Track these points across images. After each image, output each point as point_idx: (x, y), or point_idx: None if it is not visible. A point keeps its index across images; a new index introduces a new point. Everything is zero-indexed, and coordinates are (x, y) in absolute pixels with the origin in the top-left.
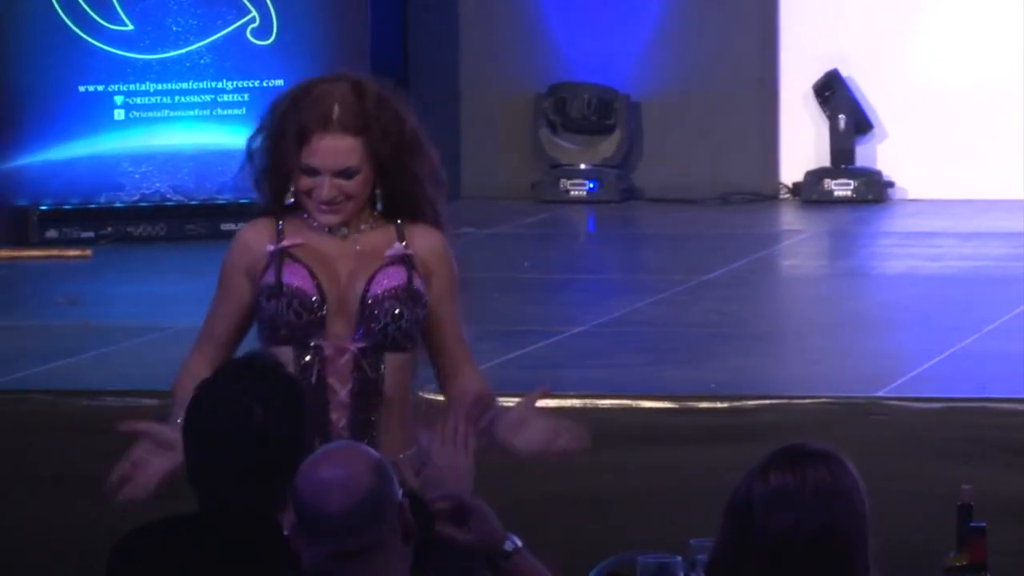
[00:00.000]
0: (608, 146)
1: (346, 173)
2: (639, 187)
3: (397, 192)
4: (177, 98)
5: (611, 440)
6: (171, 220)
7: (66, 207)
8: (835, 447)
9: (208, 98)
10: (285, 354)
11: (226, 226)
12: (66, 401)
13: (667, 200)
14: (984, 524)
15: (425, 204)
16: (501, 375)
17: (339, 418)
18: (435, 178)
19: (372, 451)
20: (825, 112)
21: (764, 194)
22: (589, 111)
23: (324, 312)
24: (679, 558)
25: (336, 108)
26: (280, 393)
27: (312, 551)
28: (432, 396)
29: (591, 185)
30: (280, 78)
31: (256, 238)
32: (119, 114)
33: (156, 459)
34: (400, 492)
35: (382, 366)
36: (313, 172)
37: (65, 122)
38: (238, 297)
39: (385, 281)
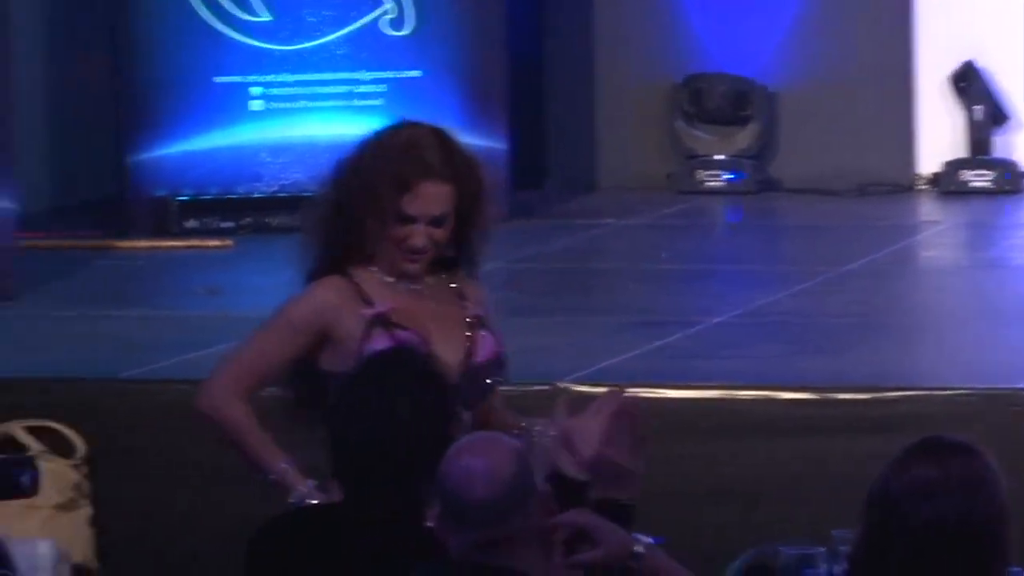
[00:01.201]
0: (744, 137)
1: (438, 221)
2: (775, 178)
3: (461, 241)
4: (314, 89)
5: (750, 431)
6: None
7: (205, 197)
8: (975, 438)
9: (345, 89)
10: None
11: None
12: None
13: (804, 191)
14: None
15: (478, 255)
16: (639, 366)
17: None
18: (490, 230)
19: (514, 440)
20: (961, 103)
21: (901, 185)
22: (725, 102)
23: None
24: (822, 549)
25: (432, 155)
26: (424, 389)
27: (457, 540)
28: (581, 388)
29: (730, 176)
30: (417, 69)
31: (335, 299)
32: (257, 105)
33: None
34: (541, 481)
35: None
36: (409, 220)
37: (203, 113)
38: (296, 352)
39: (483, 351)
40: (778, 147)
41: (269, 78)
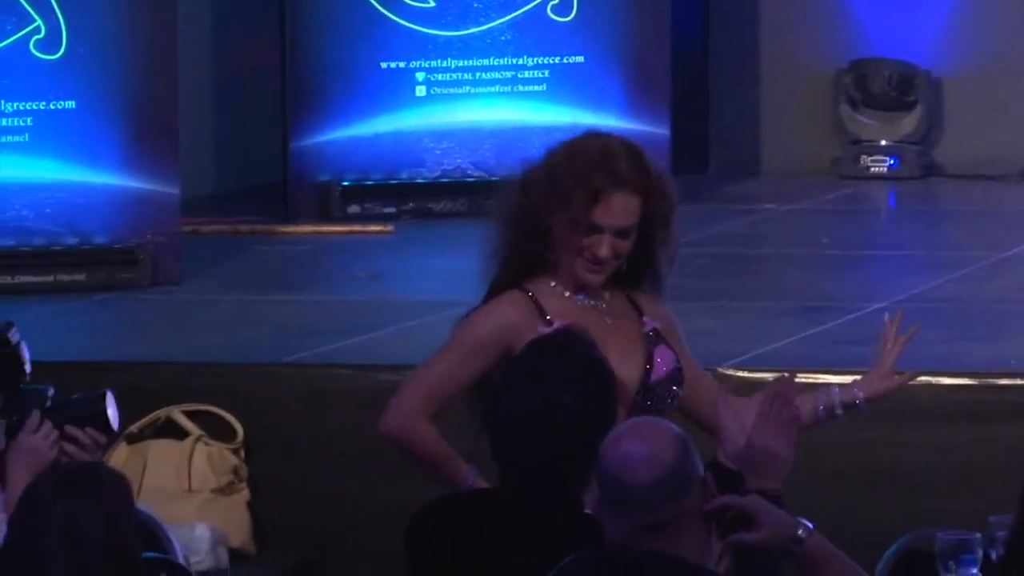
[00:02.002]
0: (909, 122)
1: (624, 233)
2: (940, 163)
3: (642, 257)
4: (478, 74)
5: (911, 417)
6: (472, 196)
7: (368, 183)
8: None
9: (509, 74)
10: None
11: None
12: (367, 375)
13: (968, 176)
14: None
15: (663, 274)
16: (799, 351)
17: None
18: (675, 248)
19: (675, 426)
20: None
21: None
22: (890, 87)
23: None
24: (978, 534)
25: (625, 166)
26: (588, 376)
27: (614, 525)
28: (732, 372)
29: (891, 161)
30: (580, 55)
31: (516, 317)
32: (420, 90)
33: None
34: (702, 467)
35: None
36: (596, 230)
37: (367, 99)
38: (479, 370)
39: (663, 366)
40: (942, 132)
41: (433, 63)
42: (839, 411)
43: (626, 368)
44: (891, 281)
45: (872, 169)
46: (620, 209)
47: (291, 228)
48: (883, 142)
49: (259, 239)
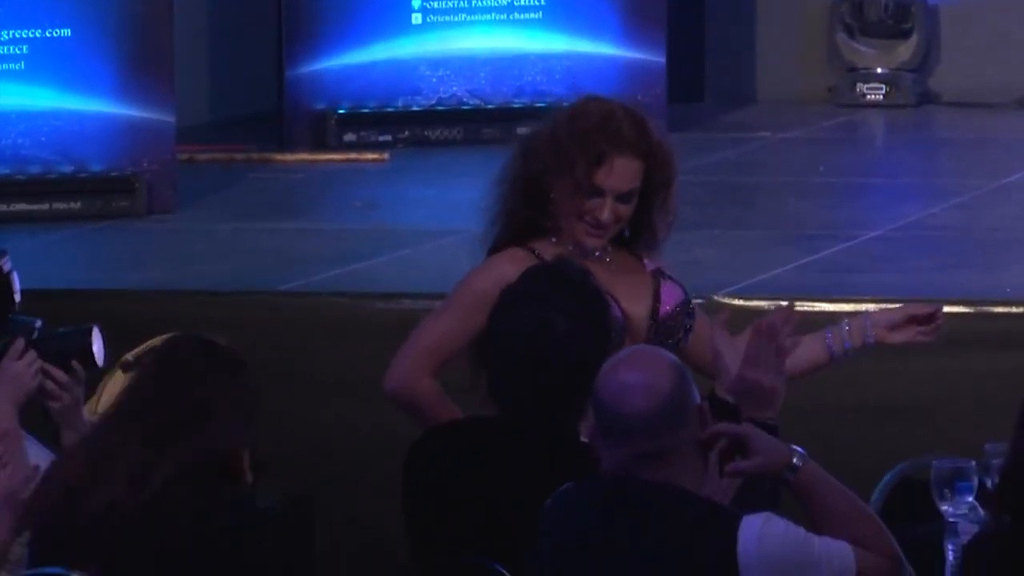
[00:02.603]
0: (905, 50)
1: (626, 196)
2: (935, 91)
3: (643, 221)
4: (474, 2)
5: (905, 345)
6: (467, 124)
7: (364, 111)
8: None
9: (505, 2)
10: None
11: (522, 130)
12: (362, 304)
13: (963, 104)
14: None
15: (661, 240)
16: (795, 279)
17: None
18: (674, 215)
19: (672, 356)
20: None
21: None
22: (886, 15)
23: (625, 335)
24: (973, 462)
25: (628, 129)
26: (584, 305)
27: (611, 454)
28: (727, 300)
29: (887, 89)
30: None
31: (515, 272)
32: (416, 18)
33: None
34: (699, 396)
35: None
36: (598, 194)
37: (363, 26)
38: (480, 326)
39: (671, 299)
40: (938, 60)
41: None
42: (847, 346)
43: (634, 306)
44: (886, 209)
45: (868, 97)
46: (622, 172)
47: (286, 156)
48: (879, 70)
49: (254, 167)
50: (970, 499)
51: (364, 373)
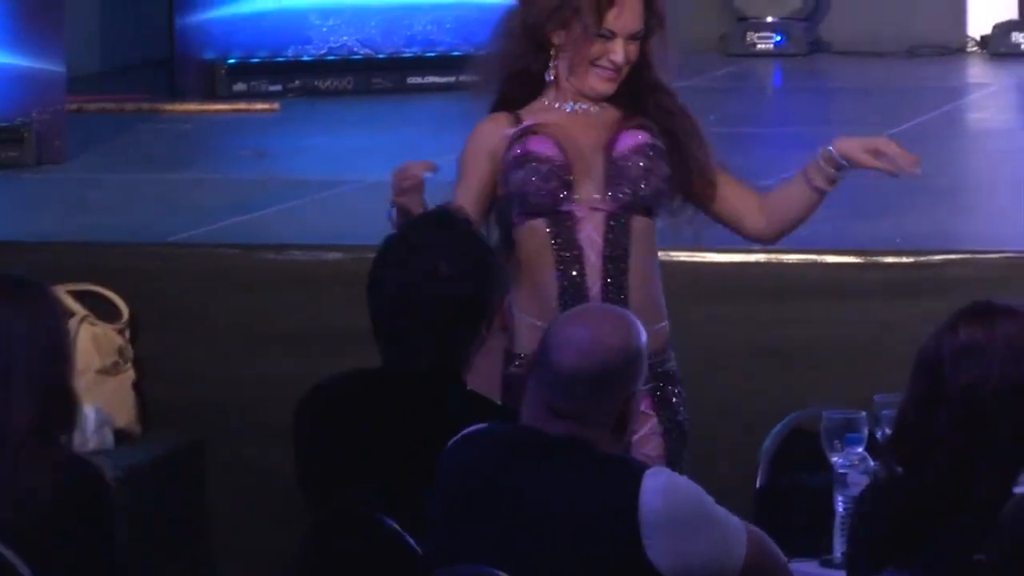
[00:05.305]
0: None
1: (635, 36)
2: (826, 40)
3: (641, 62)
4: None
5: (796, 295)
6: (358, 74)
7: (254, 60)
8: (1022, 302)
9: None
10: (538, 227)
11: (412, 79)
12: (253, 255)
13: (854, 53)
14: None
15: (665, 75)
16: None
17: (592, 283)
18: (675, 59)
19: (636, 336)
20: None
21: (951, 47)
22: None
23: (572, 176)
24: (864, 413)
25: None
26: (467, 251)
27: (532, 401)
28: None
29: (778, 38)
30: None
31: (494, 127)
32: None
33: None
34: (643, 382)
35: (631, 230)
36: (610, 36)
37: None
38: (479, 178)
39: (629, 140)
40: (829, 8)
41: None
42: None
43: (596, 150)
44: (778, 158)
45: (759, 46)
46: (631, 13)
47: (177, 106)
48: (769, 19)
49: (144, 117)
50: (860, 450)
51: (255, 322)
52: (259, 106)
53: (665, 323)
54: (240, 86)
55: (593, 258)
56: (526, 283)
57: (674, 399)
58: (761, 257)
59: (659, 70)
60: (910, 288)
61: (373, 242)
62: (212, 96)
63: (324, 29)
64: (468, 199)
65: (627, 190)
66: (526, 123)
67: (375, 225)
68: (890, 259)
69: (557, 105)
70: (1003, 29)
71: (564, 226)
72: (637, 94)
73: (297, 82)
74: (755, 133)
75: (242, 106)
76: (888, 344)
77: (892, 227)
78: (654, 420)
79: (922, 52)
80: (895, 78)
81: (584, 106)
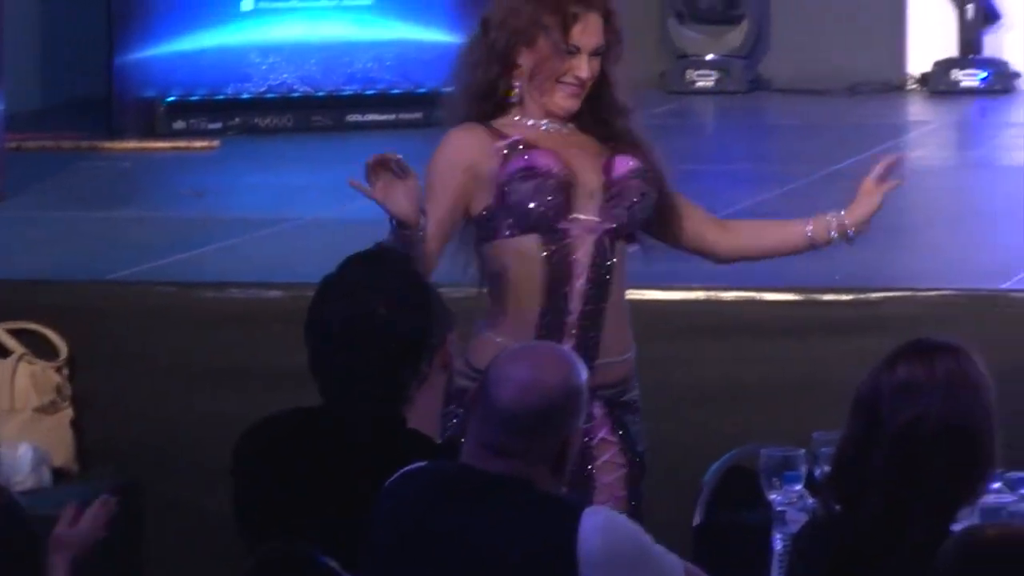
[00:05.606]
0: (735, 36)
1: (597, 52)
2: (766, 78)
3: (601, 80)
4: None
5: (735, 333)
6: (298, 111)
7: (193, 98)
8: (961, 340)
9: None
10: (530, 243)
11: (352, 117)
12: (192, 293)
13: (794, 91)
14: None
15: (623, 95)
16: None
17: (574, 307)
18: (628, 86)
19: (576, 377)
20: (953, 2)
21: (891, 85)
22: (717, 1)
23: (574, 193)
24: (802, 451)
25: None
26: (405, 290)
27: (470, 440)
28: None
29: (717, 76)
30: None
31: (471, 139)
32: (246, 4)
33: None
34: (574, 432)
35: (616, 254)
36: (575, 52)
37: (192, 13)
38: (453, 191)
39: (627, 163)
40: (769, 46)
41: None
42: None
43: (588, 172)
44: (717, 195)
45: (698, 84)
46: (594, 28)
47: (116, 144)
48: (709, 56)
49: (84, 155)
50: (798, 488)
51: (195, 361)
52: (198, 144)
53: (633, 352)
54: (179, 124)
55: (580, 281)
56: (505, 302)
57: (634, 428)
58: (700, 295)
59: (617, 87)
60: (849, 325)
61: (313, 280)
62: (151, 134)
63: (264, 67)
64: (439, 213)
65: (624, 212)
66: (514, 137)
67: (314, 263)
68: (829, 297)
69: (530, 123)
70: (943, 67)
71: (559, 244)
72: (598, 113)
73: (237, 120)
74: (695, 170)
75: (181, 144)
76: (827, 381)
77: (831, 264)
78: (615, 448)
79: (862, 90)
80: (835, 116)
81: (556, 125)
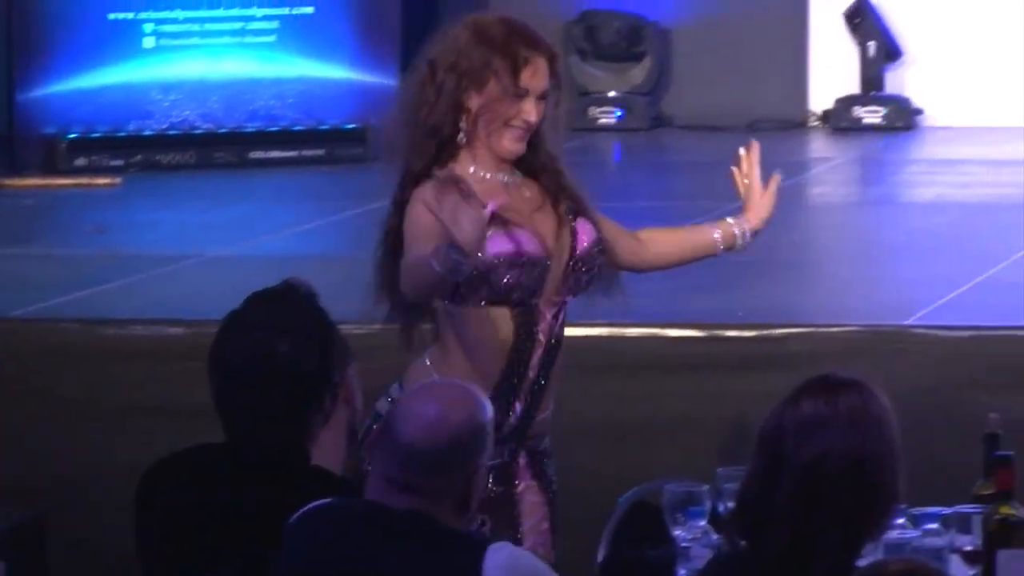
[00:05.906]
0: (638, 73)
1: (544, 95)
2: (668, 115)
3: (540, 126)
4: (206, 25)
5: (637, 369)
6: (200, 148)
7: (95, 135)
8: (864, 376)
9: (238, 25)
10: (502, 316)
11: (254, 154)
12: (94, 330)
13: (696, 127)
14: (1011, 453)
15: (557, 142)
16: None
17: (532, 371)
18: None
19: (481, 414)
20: (855, 39)
21: (793, 121)
22: (619, 38)
23: (548, 274)
24: (706, 487)
25: (532, 32)
26: (308, 328)
27: (375, 476)
28: None
29: (619, 113)
30: (309, 5)
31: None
32: (148, 42)
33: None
34: (484, 467)
35: (564, 318)
36: (523, 95)
37: (94, 50)
38: (438, 241)
39: (586, 237)
40: (671, 83)
41: (161, 15)
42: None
43: (554, 242)
44: None
45: (600, 121)
46: (542, 72)
47: (17, 181)
48: (611, 93)
49: None
50: (702, 523)
51: (97, 397)
52: (100, 181)
53: (551, 410)
54: (81, 160)
55: (540, 350)
56: (466, 357)
57: (550, 470)
58: (603, 331)
59: (558, 131)
60: (752, 361)
61: (215, 317)
62: (53, 171)
63: (165, 104)
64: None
65: (582, 285)
66: (491, 207)
67: (217, 300)
68: (732, 333)
69: (484, 174)
70: (845, 103)
71: (528, 316)
72: (538, 158)
73: (138, 156)
74: (599, 208)
75: (83, 181)
76: (730, 417)
77: (734, 301)
78: (536, 491)
79: (764, 126)
80: (736, 152)
81: (513, 179)
